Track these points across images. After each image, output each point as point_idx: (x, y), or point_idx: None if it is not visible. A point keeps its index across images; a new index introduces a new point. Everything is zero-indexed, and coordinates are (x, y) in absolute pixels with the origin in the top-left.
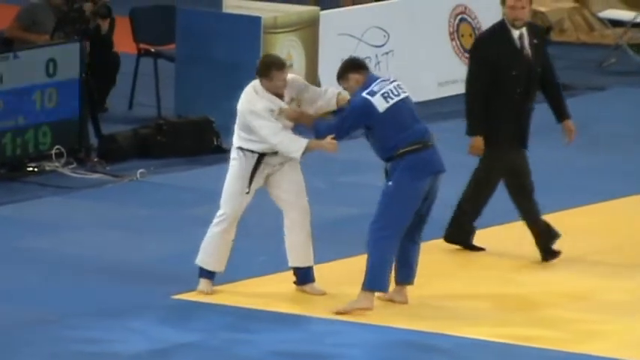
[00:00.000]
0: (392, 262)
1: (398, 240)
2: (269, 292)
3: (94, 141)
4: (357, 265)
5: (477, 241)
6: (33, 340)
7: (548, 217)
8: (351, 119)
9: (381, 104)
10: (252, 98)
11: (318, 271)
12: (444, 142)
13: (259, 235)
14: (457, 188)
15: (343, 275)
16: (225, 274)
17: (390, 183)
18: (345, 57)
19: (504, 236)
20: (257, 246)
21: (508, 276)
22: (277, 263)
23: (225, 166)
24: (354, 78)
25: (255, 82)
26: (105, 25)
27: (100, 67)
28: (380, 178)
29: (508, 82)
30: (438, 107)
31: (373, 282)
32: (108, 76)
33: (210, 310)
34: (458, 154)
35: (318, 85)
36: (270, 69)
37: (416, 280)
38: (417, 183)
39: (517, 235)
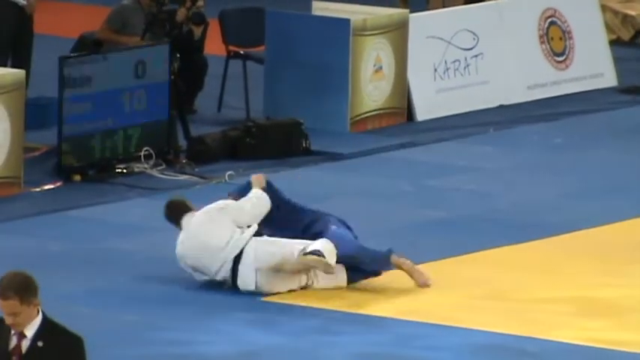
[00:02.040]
0: None
1: None
2: (356, 294)
3: (182, 143)
4: (443, 268)
5: (558, 246)
6: (119, 341)
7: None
8: None
9: None
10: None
11: (402, 274)
12: (532, 144)
13: None
14: (541, 190)
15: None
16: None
17: None
18: (435, 60)
19: (589, 241)
20: None
21: (592, 280)
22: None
23: (314, 167)
24: None
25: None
26: (198, 32)
27: (188, 69)
28: (466, 181)
29: None
30: (526, 110)
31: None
32: (195, 79)
33: (298, 312)
34: (544, 156)
35: (408, 88)
36: None
37: (499, 284)
38: None
39: (601, 239)
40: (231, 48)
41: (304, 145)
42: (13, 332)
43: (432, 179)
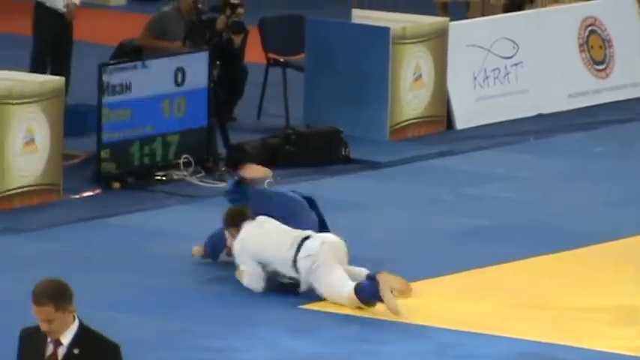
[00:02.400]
0: None
1: None
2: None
3: (222, 150)
4: (482, 276)
5: (598, 254)
6: (157, 348)
7: None
8: None
9: None
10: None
11: (441, 282)
12: (573, 152)
13: (385, 248)
14: (581, 199)
15: (467, 287)
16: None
17: None
18: (475, 68)
19: (628, 249)
20: (383, 257)
21: (630, 288)
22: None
23: (353, 175)
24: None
25: None
26: (237, 40)
27: (229, 77)
28: (505, 190)
29: None
30: (567, 119)
31: None
32: (235, 87)
33: (336, 320)
34: (583, 165)
35: (447, 96)
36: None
37: (538, 292)
38: None
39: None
40: (271, 56)
41: (344, 153)
42: (49, 340)
43: (471, 187)
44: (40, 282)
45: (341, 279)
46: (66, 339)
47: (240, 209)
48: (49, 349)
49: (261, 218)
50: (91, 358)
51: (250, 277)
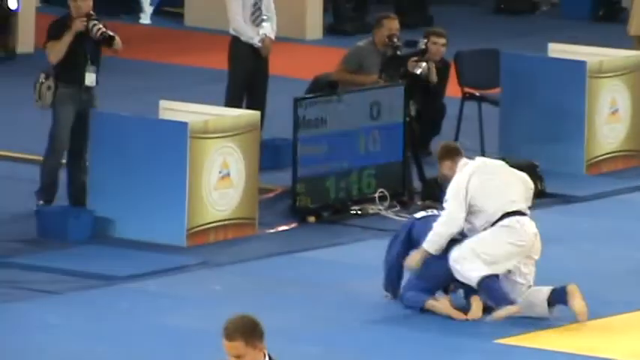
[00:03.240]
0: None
1: None
2: (588, 335)
3: (417, 184)
4: None
5: None
6: None
7: None
8: None
9: None
10: None
11: (636, 317)
12: None
13: (581, 282)
14: None
15: None
16: (549, 320)
17: None
18: None
19: None
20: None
21: None
22: (599, 308)
23: (549, 209)
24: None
25: None
26: (434, 77)
27: (426, 113)
28: None
29: None
30: None
31: None
32: (433, 124)
33: (532, 355)
34: None
35: None
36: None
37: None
38: None
39: None
40: (467, 90)
41: (539, 187)
42: None
43: None
44: (232, 317)
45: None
46: None
47: (454, 144)
48: None
49: (489, 165)
50: None
51: (449, 216)
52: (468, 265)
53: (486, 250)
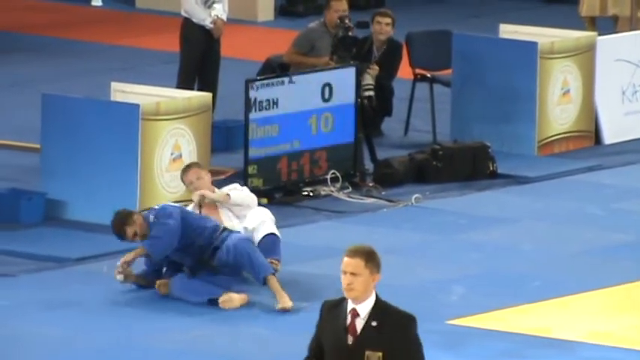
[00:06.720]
0: None
1: None
2: (543, 317)
3: (369, 166)
4: (628, 292)
5: None
6: None
7: None
8: None
9: None
10: None
11: (589, 297)
12: None
13: (533, 263)
14: None
15: (614, 303)
16: (501, 300)
17: None
18: (623, 83)
19: None
20: (531, 271)
21: None
22: (552, 289)
23: (500, 190)
24: None
25: None
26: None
27: (377, 94)
28: None
29: None
30: None
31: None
32: (382, 105)
33: (485, 336)
34: None
35: (595, 111)
36: None
37: None
38: None
39: None
40: (418, 71)
41: (491, 168)
42: (348, 311)
43: (619, 202)
44: (355, 245)
45: None
46: (363, 312)
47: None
48: (348, 319)
49: None
50: (388, 329)
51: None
52: None
53: None
